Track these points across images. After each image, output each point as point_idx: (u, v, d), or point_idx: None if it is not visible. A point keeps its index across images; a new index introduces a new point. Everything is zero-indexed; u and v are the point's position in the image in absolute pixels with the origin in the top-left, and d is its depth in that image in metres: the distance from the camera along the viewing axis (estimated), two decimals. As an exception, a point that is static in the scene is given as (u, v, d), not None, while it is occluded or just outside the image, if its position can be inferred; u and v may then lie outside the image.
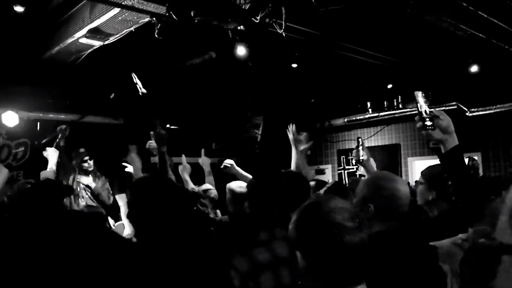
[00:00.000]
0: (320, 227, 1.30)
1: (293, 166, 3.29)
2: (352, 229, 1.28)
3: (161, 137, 3.24)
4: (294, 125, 3.44)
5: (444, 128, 1.77)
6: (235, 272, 1.87)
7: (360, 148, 3.00)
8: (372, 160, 3.07)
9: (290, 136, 3.40)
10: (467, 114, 6.97)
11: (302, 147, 3.36)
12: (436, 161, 1.98)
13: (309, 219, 1.34)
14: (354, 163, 8.43)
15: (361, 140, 3.09)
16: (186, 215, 1.94)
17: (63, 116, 6.46)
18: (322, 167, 9.46)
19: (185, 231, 1.89)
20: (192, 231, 1.97)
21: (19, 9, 3.82)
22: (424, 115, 1.78)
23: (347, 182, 8.51)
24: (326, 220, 1.29)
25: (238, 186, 3.31)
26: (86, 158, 5.17)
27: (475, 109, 6.95)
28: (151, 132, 3.34)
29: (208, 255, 2.01)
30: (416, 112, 1.80)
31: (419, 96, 1.82)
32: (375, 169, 3.08)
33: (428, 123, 1.77)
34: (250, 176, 3.40)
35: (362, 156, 2.98)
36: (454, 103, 6.94)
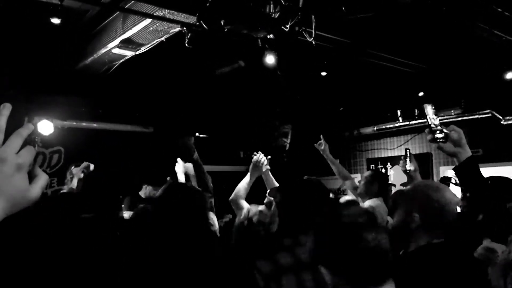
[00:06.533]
0: (340, 229, 1.34)
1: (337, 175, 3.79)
2: (371, 231, 1.30)
3: (187, 146, 3.19)
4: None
5: (456, 141, 1.74)
6: (259, 274, 1.91)
7: (408, 159, 3.00)
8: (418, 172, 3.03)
9: (324, 148, 3.66)
10: (502, 122, 6.77)
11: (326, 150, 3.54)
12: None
13: (329, 222, 1.39)
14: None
15: (409, 151, 3.11)
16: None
17: (95, 125, 6.61)
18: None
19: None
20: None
21: (55, 21, 3.91)
22: (434, 127, 1.76)
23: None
24: (346, 223, 1.34)
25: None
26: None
27: (511, 117, 6.74)
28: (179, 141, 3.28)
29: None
30: (426, 124, 1.78)
31: (428, 108, 1.80)
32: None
33: (439, 135, 1.75)
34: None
35: (409, 166, 2.97)
36: (488, 111, 6.74)
